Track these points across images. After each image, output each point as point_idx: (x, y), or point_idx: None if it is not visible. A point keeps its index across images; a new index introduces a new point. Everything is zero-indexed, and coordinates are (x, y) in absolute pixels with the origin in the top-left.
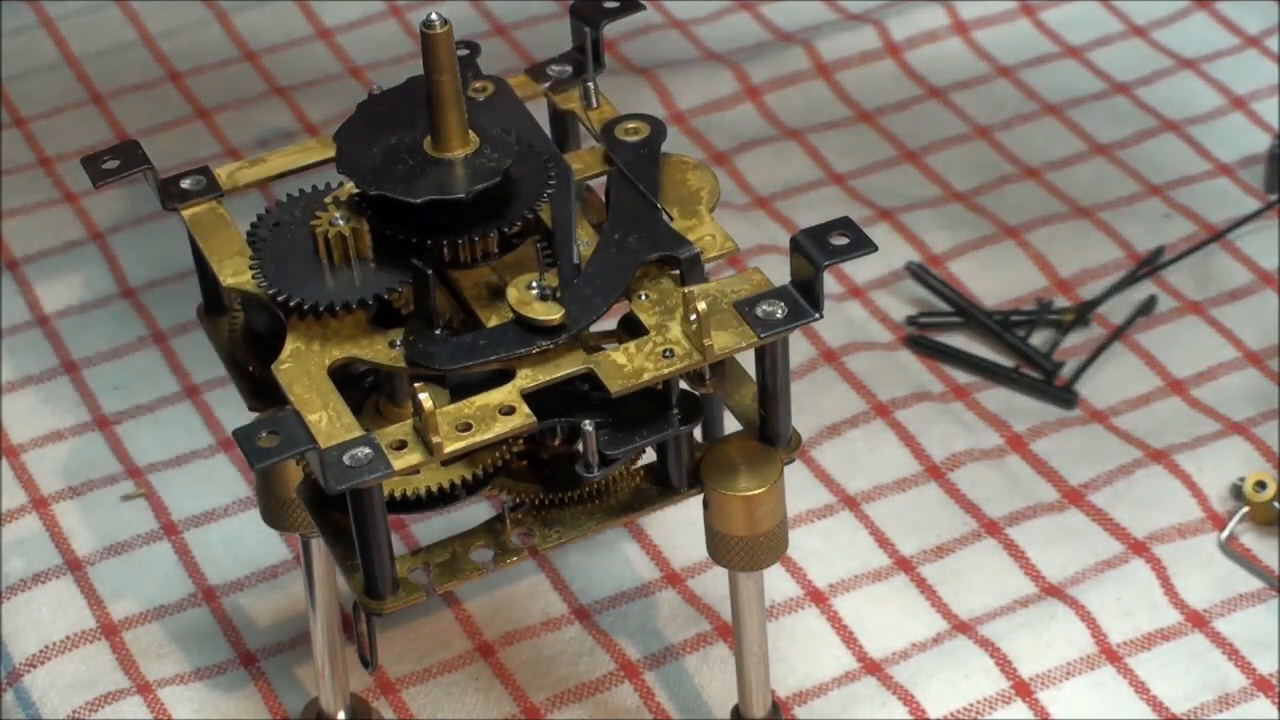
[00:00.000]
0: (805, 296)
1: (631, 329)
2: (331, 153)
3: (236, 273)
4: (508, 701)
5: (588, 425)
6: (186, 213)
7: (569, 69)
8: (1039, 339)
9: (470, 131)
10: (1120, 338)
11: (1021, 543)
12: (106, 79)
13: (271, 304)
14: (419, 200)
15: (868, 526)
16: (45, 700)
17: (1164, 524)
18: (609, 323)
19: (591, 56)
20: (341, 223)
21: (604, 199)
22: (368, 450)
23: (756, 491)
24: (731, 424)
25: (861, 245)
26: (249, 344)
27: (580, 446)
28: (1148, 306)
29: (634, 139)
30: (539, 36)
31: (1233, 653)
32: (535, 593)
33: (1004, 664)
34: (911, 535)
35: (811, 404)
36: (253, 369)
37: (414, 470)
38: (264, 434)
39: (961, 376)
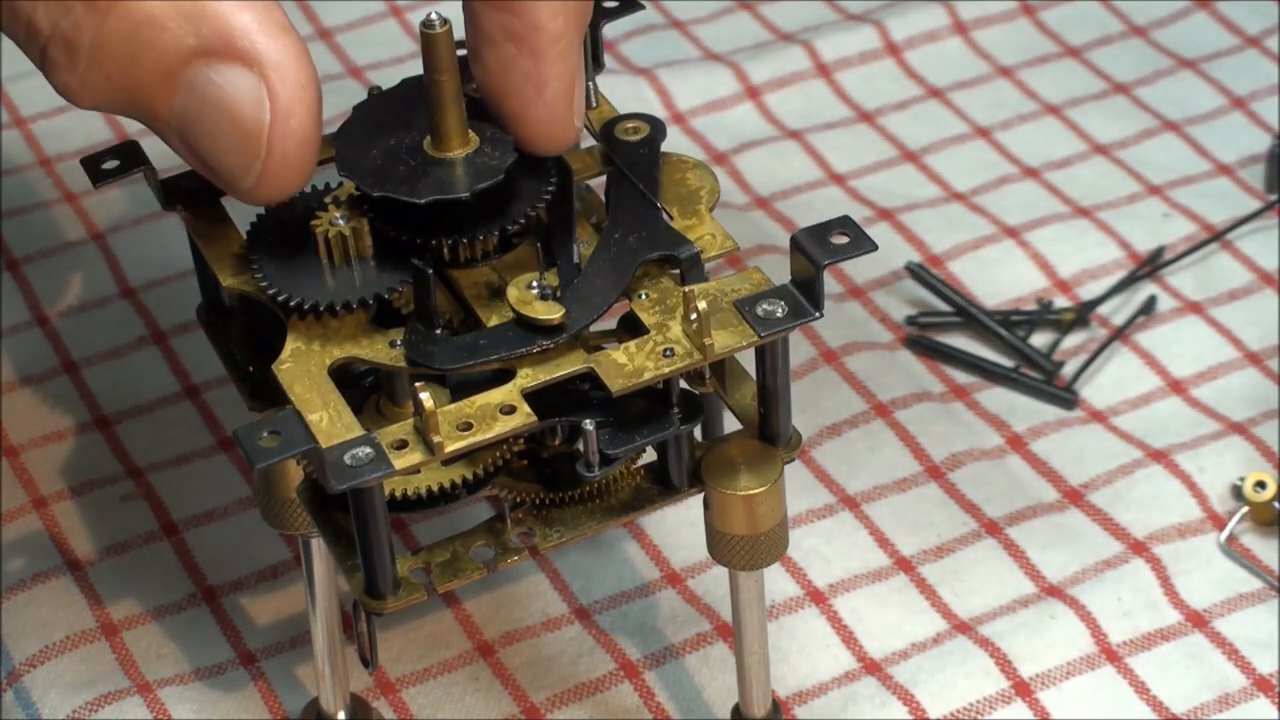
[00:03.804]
0: (805, 296)
1: (631, 328)
2: (331, 153)
3: (236, 273)
4: (508, 701)
5: (588, 425)
6: (186, 213)
7: None
8: (1039, 339)
9: (470, 131)
10: (1120, 338)
11: (1021, 543)
12: None
13: (271, 304)
14: (422, 201)
15: (868, 526)
16: (45, 700)
17: (1164, 524)
18: (609, 322)
19: (591, 56)
20: (341, 223)
21: (604, 199)
22: (368, 450)
23: (757, 491)
24: (731, 423)
25: (861, 245)
26: (249, 344)
27: (580, 446)
28: (1148, 306)
29: (634, 139)
30: None
31: (1233, 653)
32: (535, 593)
33: (1004, 664)
34: (911, 535)
35: (811, 404)
36: (253, 369)
37: (415, 470)
38: (264, 434)
39: (961, 376)
